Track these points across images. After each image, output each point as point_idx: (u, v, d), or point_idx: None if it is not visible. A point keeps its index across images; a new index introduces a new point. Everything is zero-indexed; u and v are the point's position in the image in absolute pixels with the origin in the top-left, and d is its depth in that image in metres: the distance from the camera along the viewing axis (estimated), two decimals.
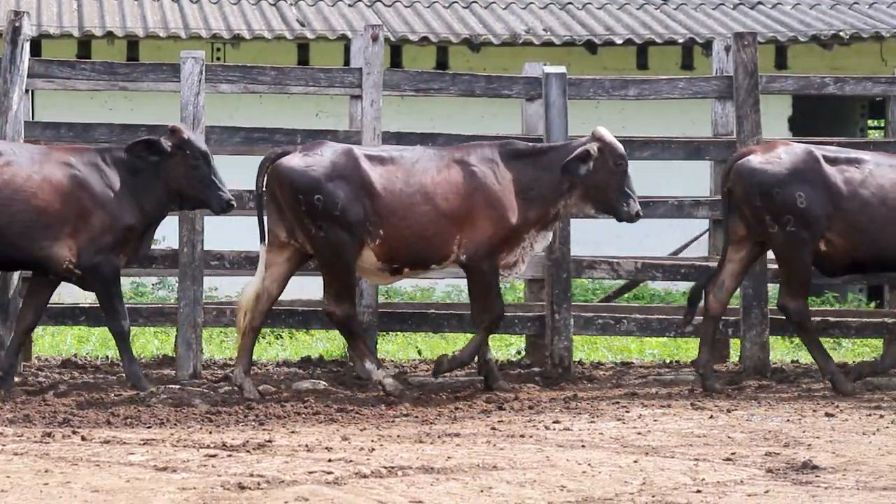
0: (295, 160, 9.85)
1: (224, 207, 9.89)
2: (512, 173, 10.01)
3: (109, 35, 16.85)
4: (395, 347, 13.33)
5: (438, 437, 8.07)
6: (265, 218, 9.90)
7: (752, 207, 10.15)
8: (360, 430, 8.34)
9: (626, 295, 14.78)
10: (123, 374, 10.06)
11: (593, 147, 9.96)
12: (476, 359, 10.33)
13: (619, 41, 17.48)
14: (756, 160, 10.17)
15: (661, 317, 11.28)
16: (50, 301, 10.10)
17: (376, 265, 9.95)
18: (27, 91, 10.70)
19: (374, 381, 9.96)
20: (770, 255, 11.22)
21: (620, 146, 10.08)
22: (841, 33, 17.63)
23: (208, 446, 7.63)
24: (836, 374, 10.19)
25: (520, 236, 10.02)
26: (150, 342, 13.37)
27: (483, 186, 9.94)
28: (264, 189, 9.89)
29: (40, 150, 9.92)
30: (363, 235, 9.82)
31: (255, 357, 12.09)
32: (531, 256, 10.29)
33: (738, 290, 11.22)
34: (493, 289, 10.02)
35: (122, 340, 9.85)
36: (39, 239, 9.63)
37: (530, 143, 10.37)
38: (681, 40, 17.56)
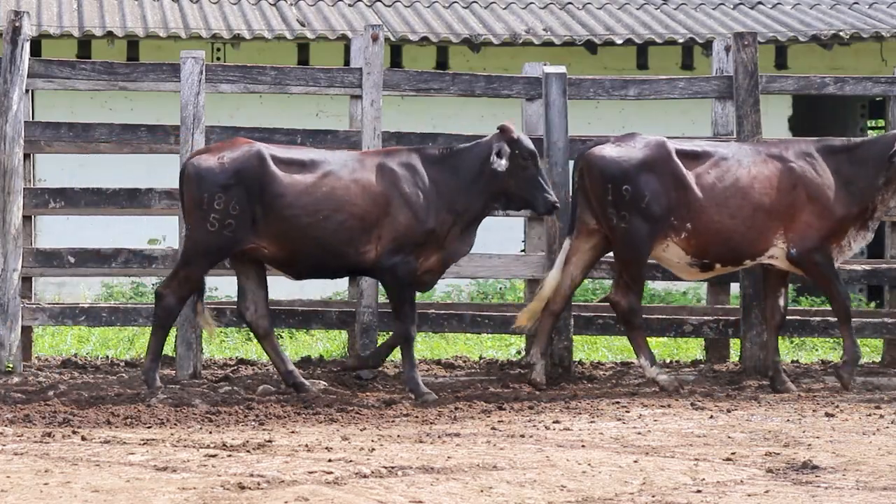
0: (607, 150, 10.09)
1: (549, 209, 9.84)
2: (831, 168, 10.12)
3: (109, 35, 16.84)
4: None
5: (438, 437, 8.07)
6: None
7: None
8: (360, 430, 8.34)
9: None
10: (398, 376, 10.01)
11: None
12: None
13: (619, 41, 17.47)
14: None
15: (661, 317, 11.28)
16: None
17: (685, 259, 10.15)
18: (27, 91, 10.70)
19: (648, 377, 10.18)
20: None
21: None
22: (841, 33, 17.61)
23: (208, 446, 7.62)
24: None
25: (845, 230, 10.13)
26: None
27: (803, 180, 10.07)
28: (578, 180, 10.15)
29: (353, 156, 9.86)
30: (667, 230, 10.00)
31: (255, 357, 12.10)
32: (846, 256, 10.32)
33: (738, 289, 11.23)
34: (834, 280, 10.13)
35: (407, 345, 9.76)
36: (362, 245, 9.65)
37: (844, 139, 10.47)
38: (681, 40, 17.55)
